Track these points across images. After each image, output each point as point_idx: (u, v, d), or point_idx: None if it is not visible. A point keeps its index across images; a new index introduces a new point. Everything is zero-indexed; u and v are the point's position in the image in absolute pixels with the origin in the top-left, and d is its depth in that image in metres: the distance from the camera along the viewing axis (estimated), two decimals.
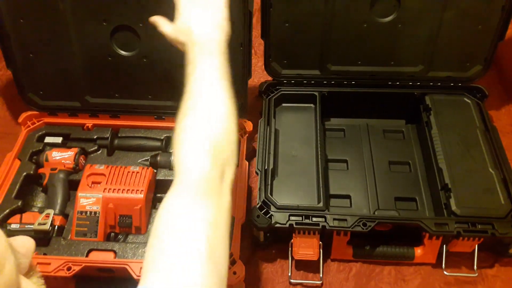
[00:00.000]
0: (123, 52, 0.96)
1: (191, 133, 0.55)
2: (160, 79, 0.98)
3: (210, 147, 0.54)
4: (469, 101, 1.02)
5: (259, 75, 1.17)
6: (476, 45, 0.98)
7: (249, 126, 1.01)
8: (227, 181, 0.54)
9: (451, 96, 1.03)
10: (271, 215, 0.82)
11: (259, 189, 0.86)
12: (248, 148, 1.01)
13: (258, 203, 0.84)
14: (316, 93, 1.03)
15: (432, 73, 1.03)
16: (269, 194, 0.85)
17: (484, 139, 0.94)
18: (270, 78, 1.06)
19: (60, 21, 0.91)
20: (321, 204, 0.85)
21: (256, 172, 0.89)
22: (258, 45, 1.08)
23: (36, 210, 0.92)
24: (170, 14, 0.89)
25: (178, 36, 0.69)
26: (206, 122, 0.56)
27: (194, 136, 0.55)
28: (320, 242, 0.83)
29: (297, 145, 0.97)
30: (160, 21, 0.73)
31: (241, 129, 1.01)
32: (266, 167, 0.90)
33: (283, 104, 1.05)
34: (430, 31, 0.97)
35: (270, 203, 0.84)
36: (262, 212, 0.82)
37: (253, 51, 1.22)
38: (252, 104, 1.09)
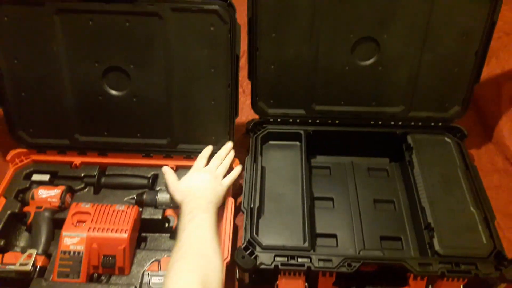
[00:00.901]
0: (113, 92, 0.98)
1: (185, 275, 0.68)
2: (149, 117, 1.01)
3: (197, 276, 0.68)
4: (449, 141, 1.04)
5: (247, 113, 1.19)
6: (454, 87, 1.03)
7: (236, 163, 1.02)
8: None
9: (432, 135, 1.06)
10: (256, 255, 0.81)
11: (245, 228, 0.86)
12: (234, 185, 1.01)
13: (243, 243, 0.83)
14: (302, 132, 1.06)
15: (413, 113, 1.06)
16: (254, 234, 0.85)
17: (465, 178, 0.96)
18: (257, 116, 1.09)
19: (54, 61, 0.94)
20: (306, 244, 0.85)
21: (242, 211, 0.90)
22: (246, 84, 1.12)
23: (18, 249, 0.91)
24: (158, 57, 0.94)
25: (176, 194, 0.89)
26: (198, 266, 0.70)
27: (187, 278, 0.67)
28: (306, 283, 0.82)
29: (284, 183, 0.98)
30: (170, 175, 0.94)
31: None
32: (252, 206, 0.90)
33: (270, 142, 1.07)
34: (410, 73, 1.01)
35: (255, 243, 0.83)
36: (247, 252, 0.81)
37: (241, 90, 1.26)
38: (239, 141, 1.11)
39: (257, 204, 0.91)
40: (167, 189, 0.94)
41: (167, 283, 0.67)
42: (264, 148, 1.06)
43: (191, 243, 0.75)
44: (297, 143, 1.06)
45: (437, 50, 0.98)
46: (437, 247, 0.84)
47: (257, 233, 0.86)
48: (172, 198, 0.91)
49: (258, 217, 0.90)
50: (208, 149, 1.00)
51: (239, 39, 0.92)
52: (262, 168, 1.00)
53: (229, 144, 1.01)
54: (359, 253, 0.93)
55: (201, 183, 0.90)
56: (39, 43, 0.92)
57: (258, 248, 0.83)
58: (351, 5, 0.94)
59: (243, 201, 0.91)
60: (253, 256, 0.81)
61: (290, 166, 1.01)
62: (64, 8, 0.89)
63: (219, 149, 1.02)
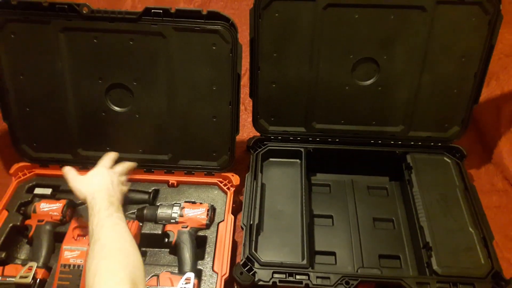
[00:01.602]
0: (116, 108, 1.00)
1: (114, 275, 0.65)
2: (151, 133, 1.02)
3: (125, 275, 0.65)
4: (449, 161, 1.05)
5: (248, 130, 1.21)
6: (453, 108, 1.04)
7: (236, 179, 1.03)
8: None
9: (431, 155, 1.06)
10: (255, 272, 0.82)
11: (243, 244, 0.87)
12: (235, 202, 1.02)
13: (242, 260, 0.84)
14: (302, 149, 1.07)
15: (412, 133, 1.07)
16: (253, 250, 0.86)
17: (464, 198, 0.97)
18: (258, 134, 1.10)
19: (58, 78, 0.96)
20: (305, 261, 0.85)
21: (242, 227, 0.90)
22: (248, 101, 1.13)
23: (19, 262, 0.92)
24: (161, 74, 0.95)
25: (83, 188, 0.84)
26: (125, 264, 0.68)
27: (116, 278, 0.65)
28: None
29: (283, 200, 0.99)
30: (69, 172, 0.89)
31: (228, 183, 1.04)
32: (251, 222, 0.91)
33: (270, 159, 1.09)
34: (409, 94, 1.02)
35: (254, 260, 0.84)
36: (245, 269, 0.82)
37: (243, 107, 1.27)
38: (240, 158, 1.12)
39: (256, 221, 0.91)
40: (71, 187, 0.87)
41: (94, 284, 0.64)
42: (265, 165, 1.07)
43: (113, 241, 0.72)
44: (298, 160, 1.07)
45: (436, 72, 0.99)
46: (435, 266, 0.85)
47: (256, 250, 0.87)
48: (75, 192, 0.85)
49: (257, 234, 0.90)
50: (115, 153, 0.96)
51: (240, 58, 0.93)
52: (262, 185, 1.01)
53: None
54: (357, 271, 0.93)
55: (109, 180, 0.85)
56: (45, 60, 0.95)
57: (256, 265, 0.83)
58: (351, 27, 0.96)
59: (242, 218, 0.92)
60: (251, 273, 0.82)
61: (290, 183, 1.02)
62: (69, 26, 0.91)
63: (219, 165, 1.03)
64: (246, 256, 0.85)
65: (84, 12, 0.90)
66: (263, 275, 0.82)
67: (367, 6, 0.93)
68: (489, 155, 1.19)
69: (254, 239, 0.88)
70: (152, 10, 0.90)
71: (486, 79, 1.01)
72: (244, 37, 0.93)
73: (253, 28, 0.96)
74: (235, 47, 0.92)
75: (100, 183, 0.83)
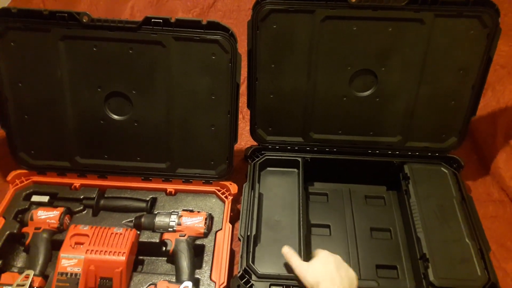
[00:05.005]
0: (115, 117, 1.00)
1: None
2: (149, 142, 1.02)
3: None
4: (446, 171, 1.06)
5: (246, 139, 1.21)
6: (450, 119, 1.04)
7: (234, 188, 1.03)
8: None
9: (428, 165, 1.07)
10: (252, 284, 0.82)
11: (241, 256, 0.87)
12: (232, 210, 1.02)
13: (239, 272, 0.84)
14: (299, 159, 1.07)
15: (409, 144, 1.08)
16: (250, 262, 0.86)
17: (461, 209, 0.97)
18: (256, 143, 1.11)
19: (57, 86, 0.96)
20: None
21: (239, 238, 0.90)
22: (246, 110, 1.14)
23: (16, 270, 0.91)
24: (160, 83, 0.95)
25: (307, 275, 0.79)
26: None
27: None
28: None
29: (281, 209, 0.99)
30: (292, 256, 0.84)
31: (226, 191, 1.04)
32: (248, 233, 0.91)
33: (268, 168, 1.09)
34: (407, 105, 1.03)
35: (251, 272, 0.84)
36: (242, 281, 0.82)
37: (241, 116, 1.28)
38: (238, 166, 1.12)
39: (253, 232, 0.91)
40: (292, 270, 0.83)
41: None
42: (262, 174, 1.07)
43: None
44: (295, 170, 1.07)
45: (434, 83, 1.00)
46: (431, 278, 0.85)
47: (253, 261, 0.87)
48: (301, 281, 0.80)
49: (255, 245, 0.90)
50: None
51: (239, 67, 0.94)
52: (260, 194, 1.01)
53: None
54: None
55: (334, 267, 0.78)
56: (44, 68, 0.95)
57: (254, 277, 0.83)
58: (349, 39, 0.96)
59: (240, 229, 0.92)
60: (248, 285, 0.82)
61: (288, 193, 1.03)
62: (69, 34, 0.92)
63: (217, 174, 1.03)
64: (243, 268, 0.85)
65: (84, 20, 0.90)
66: (260, 287, 0.82)
67: (365, 19, 0.94)
68: (485, 165, 1.19)
69: (251, 250, 0.88)
70: (152, 20, 0.90)
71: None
72: (242, 46, 0.94)
73: (251, 40, 0.96)
74: (234, 57, 0.92)
75: (324, 271, 0.77)
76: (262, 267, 0.85)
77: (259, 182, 1.03)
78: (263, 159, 1.08)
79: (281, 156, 1.08)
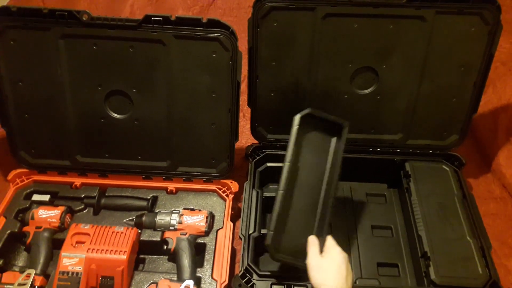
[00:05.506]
0: (116, 115, 1.00)
1: None
2: (150, 140, 1.02)
3: None
4: (447, 169, 1.05)
5: (247, 137, 1.21)
6: (452, 116, 1.04)
7: (235, 186, 1.03)
8: None
9: (430, 163, 1.07)
10: (253, 283, 0.82)
11: (242, 255, 0.87)
12: (233, 208, 1.02)
13: (241, 271, 0.84)
14: None
15: (411, 141, 1.08)
16: (251, 261, 0.86)
17: (462, 207, 0.97)
18: (257, 141, 1.10)
19: (57, 84, 0.96)
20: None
21: (240, 237, 0.90)
22: (247, 108, 1.13)
23: (17, 269, 0.92)
24: (160, 82, 0.95)
25: (316, 273, 0.76)
26: None
27: None
28: None
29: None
30: (313, 248, 0.80)
31: (226, 190, 1.04)
32: (249, 232, 0.91)
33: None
34: (408, 102, 1.03)
35: (252, 271, 0.84)
36: (244, 280, 0.82)
37: (241, 114, 1.28)
38: (239, 164, 1.12)
39: (255, 231, 0.91)
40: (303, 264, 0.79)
41: None
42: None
43: None
44: None
45: (435, 81, 1.00)
46: (433, 276, 0.85)
47: (254, 261, 0.87)
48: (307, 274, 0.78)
49: (256, 244, 0.90)
50: None
51: (240, 66, 0.93)
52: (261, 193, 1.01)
53: None
54: (355, 282, 0.93)
55: (344, 272, 0.76)
56: (44, 67, 0.94)
57: (255, 276, 0.83)
58: (350, 37, 0.96)
59: (241, 228, 0.92)
60: (249, 284, 0.82)
61: None
62: (69, 33, 0.91)
63: (218, 172, 1.03)
64: (244, 267, 0.85)
65: (84, 19, 0.90)
66: (261, 286, 0.82)
67: (366, 16, 0.93)
68: (487, 163, 1.19)
69: (252, 249, 0.88)
70: (152, 18, 0.90)
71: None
72: (242, 44, 0.93)
73: (251, 38, 0.96)
74: (235, 55, 0.92)
75: (335, 276, 0.75)
76: (264, 266, 0.85)
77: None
78: (263, 157, 1.07)
79: (282, 154, 1.07)
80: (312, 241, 0.81)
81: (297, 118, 0.88)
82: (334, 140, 0.93)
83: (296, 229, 0.85)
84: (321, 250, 0.79)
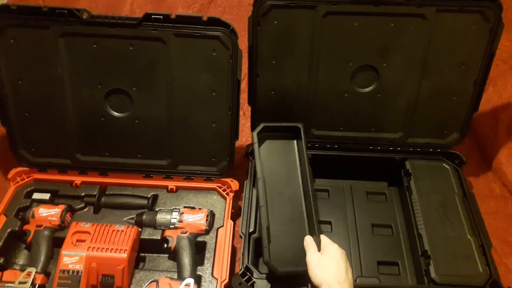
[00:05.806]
0: (116, 114, 1.00)
1: None
2: (150, 139, 1.02)
3: None
4: (447, 167, 1.05)
5: (247, 135, 1.21)
6: (452, 115, 1.04)
7: (235, 185, 1.03)
8: None
9: (430, 161, 1.07)
10: (254, 282, 0.82)
11: (242, 254, 0.87)
12: (234, 207, 1.02)
13: (241, 269, 0.84)
14: None
15: (411, 140, 1.07)
16: (252, 260, 0.86)
17: (462, 205, 0.97)
18: None
19: (57, 83, 0.96)
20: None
21: (240, 236, 0.90)
22: (247, 107, 1.13)
23: (17, 267, 0.92)
24: (160, 80, 0.95)
25: (314, 272, 0.77)
26: None
27: None
28: None
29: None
30: (311, 246, 0.81)
31: (227, 188, 1.04)
32: (250, 231, 0.91)
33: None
34: (409, 101, 1.03)
35: (253, 270, 0.84)
36: (244, 279, 0.82)
37: (242, 112, 1.27)
38: (239, 163, 1.12)
39: (255, 230, 0.91)
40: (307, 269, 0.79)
41: None
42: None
43: None
44: None
45: (436, 79, 1.00)
46: (433, 274, 0.85)
47: (254, 259, 0.87)
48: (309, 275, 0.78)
49: (256, 243, 0.90)
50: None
51: (240, 64, 0.93)
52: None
53: None
54: (355, 280, 0.93)
55: (344, 269, 0.76)
56: (44, 65, 0.94)
57: (255, 275, 0.83)
58: (350, 35, 0.96)
59: (241, 226, 0.92)
60: (250, 283, 0.82)
61: None
62: (69, 31, 0.91)
63: (218, 170, 1.03)
64: (245, 266, 0.84)
65: (84, 17, 0.90)
66: (262, 285, 0.82)
67: (367, 14, 0.93)
68: (487, 161, 1.19)
69: (253, 248, 0.88)
70: (152, 16, 0.90)
71: None
72: (243, 42, 0.93)
73: (251, 36, 0.96)
74: (235, 53, 0.92)
75: (336, 272, 0.75)
76: (263, 264, 0.85)
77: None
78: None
79: None
80: (309, 240, 0.82)
81: (254, 135, 0.93)
82: (295, 142, 0.98)
83: (289, 236, 0.87)
84: (318, 249, 0.80)
